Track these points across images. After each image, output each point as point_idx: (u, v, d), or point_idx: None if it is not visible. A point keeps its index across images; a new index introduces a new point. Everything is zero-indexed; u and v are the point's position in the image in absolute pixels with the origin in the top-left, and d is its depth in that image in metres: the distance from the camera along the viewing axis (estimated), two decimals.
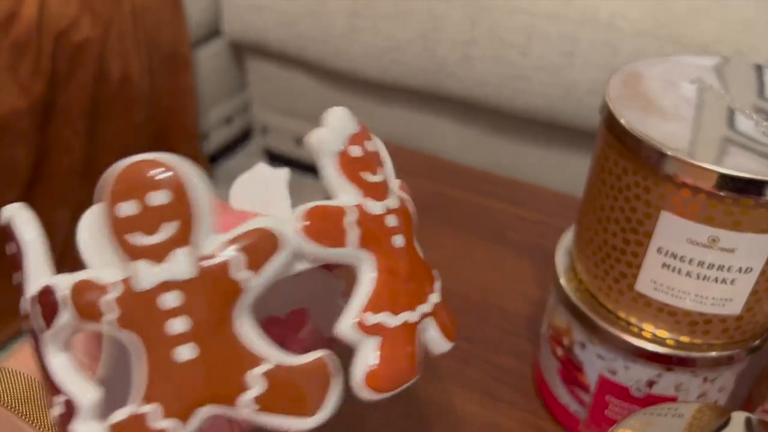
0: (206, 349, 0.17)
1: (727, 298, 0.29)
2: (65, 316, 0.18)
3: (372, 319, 0.18)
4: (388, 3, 0.96)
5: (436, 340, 0.20)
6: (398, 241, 0.20)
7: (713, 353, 0.30)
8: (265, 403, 0.17)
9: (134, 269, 0.17)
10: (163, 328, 0.17)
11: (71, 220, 0.97)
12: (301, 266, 0.18)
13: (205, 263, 0.17)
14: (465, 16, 0.93)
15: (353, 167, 0.19)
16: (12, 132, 0.86)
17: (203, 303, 0.17)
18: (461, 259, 0.47)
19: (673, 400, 0.32)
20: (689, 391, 0.32)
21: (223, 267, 0.17)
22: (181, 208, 0.17)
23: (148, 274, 0.17)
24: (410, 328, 0.19)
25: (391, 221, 0.20)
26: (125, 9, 0.96)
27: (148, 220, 0.17)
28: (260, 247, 0.17)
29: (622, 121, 0.28)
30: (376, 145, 0.21)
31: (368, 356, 0.18)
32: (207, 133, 1.23)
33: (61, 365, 0.19)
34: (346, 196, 0.19)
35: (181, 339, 0.17)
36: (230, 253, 0.17)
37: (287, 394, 0.17)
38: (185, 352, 0.17)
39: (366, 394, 0.18)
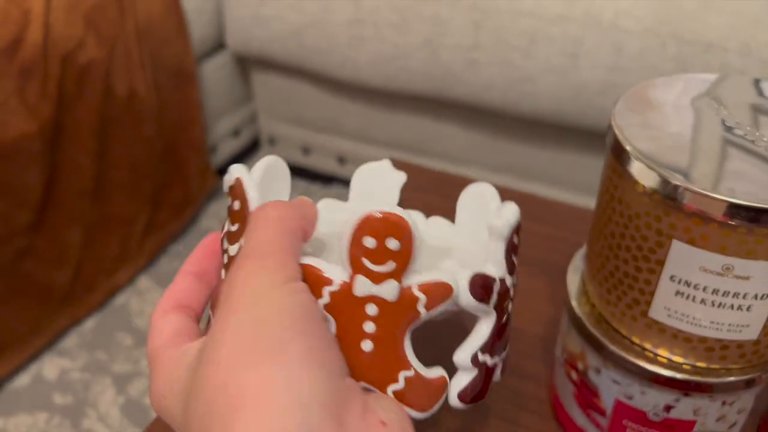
0: (380, 347, 0.23)
1: (744, 324, 0.28)
2: None
3: (481, 357, 0.25)
4: (392, 10, 0.96)
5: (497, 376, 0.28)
6: (509, 306, 0.27)
7: (731, 378, 0.30)
8: (400, 395, 0.24)
9: (356, 280, 0.23)
10: (360, 326, 0.23)
11: (83, 238, 0.98)
12: (454, 308, 0.24)
13: (404, 293, 0.23)
14: (469, 20, 0.92)
15: (510, 250, 0.26)
16: (23, 155, 0.86)
17: (390, 318, 0.23)
18: None
19: (691, 423, 0.32)
20: (708, 415, 0.32)
21: (413, 300, 0.23)
22: (403, 255, 0.23)
23: (364, 287, 0.23)
24: (494, 367, 0.27)
25: (511, 291, 0.27)
26: (129, 27, 0.96)
27: (380, 255, 0.23)
28: (439, 295, 0.23)
29: (629, 149, 0.27)
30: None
31: (464, 380, 0.25)
32: (215, 146, 1.23)
33: None
34: (497, 269, 0.25)
35: (367, 336, 0.23)
36: (419, 293, 0.23)
37: (415, 393, 0.24)
38: (367, 346, 0.23)
39: (455, 404, 0.25)
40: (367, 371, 0.24)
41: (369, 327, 0.23)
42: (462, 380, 0.25)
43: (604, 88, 0.89)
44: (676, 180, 0.26)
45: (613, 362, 0.32)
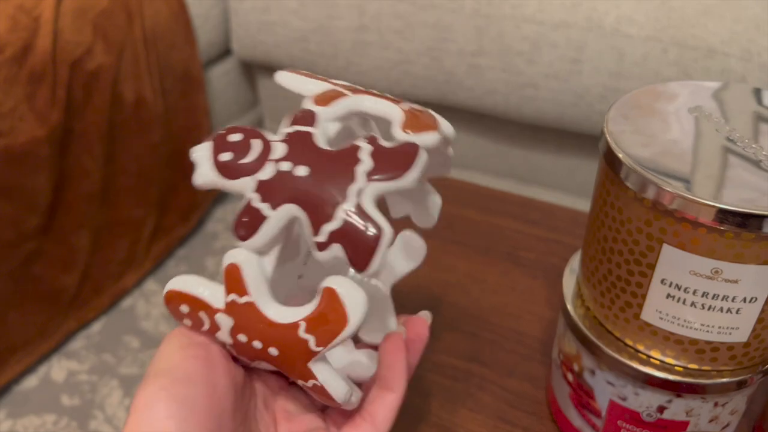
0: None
1: (734, 327, 0.29)
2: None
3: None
4: (396, 17, 0.97)
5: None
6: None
7: (723, 379, 0.30)
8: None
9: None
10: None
11: (91, 242, 0.99)
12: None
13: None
14: (472, 26, 0.93)
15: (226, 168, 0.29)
16: (32, 160, 0.88)
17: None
18: (473, 281, 0.47)
19: (685, 424, 0.32)
20: (701, 416, 0.32)
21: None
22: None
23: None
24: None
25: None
26: (137, 33, 0.98)
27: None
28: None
29: (621, 156, 0.28)
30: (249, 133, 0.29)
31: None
32: None
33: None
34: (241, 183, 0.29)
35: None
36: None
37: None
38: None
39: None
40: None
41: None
42: None
43: (606, 93, 0.89)
44: (666, 186, 0.26)
45: (607, 364, 0.32)
